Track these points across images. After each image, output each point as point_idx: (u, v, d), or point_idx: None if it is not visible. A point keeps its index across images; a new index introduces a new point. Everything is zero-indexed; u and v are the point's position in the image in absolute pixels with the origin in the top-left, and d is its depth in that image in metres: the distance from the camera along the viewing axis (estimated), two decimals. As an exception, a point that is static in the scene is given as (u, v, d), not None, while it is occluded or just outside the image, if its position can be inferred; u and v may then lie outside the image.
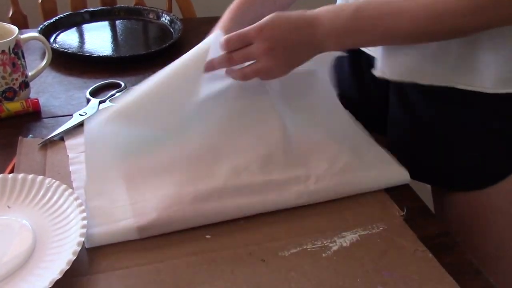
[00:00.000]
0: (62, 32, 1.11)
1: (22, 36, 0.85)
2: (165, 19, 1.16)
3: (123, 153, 0.67)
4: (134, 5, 1.30)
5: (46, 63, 0.90)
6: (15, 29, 0.84)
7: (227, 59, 0.67)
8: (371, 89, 0.86)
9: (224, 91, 0.72)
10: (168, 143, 0.68)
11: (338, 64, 0.81)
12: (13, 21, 1.22)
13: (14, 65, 0.83)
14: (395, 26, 0.60)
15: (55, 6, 1.27)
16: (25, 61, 0.86)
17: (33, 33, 0.89)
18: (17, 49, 0.83)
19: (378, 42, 0.68)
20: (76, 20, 1.15)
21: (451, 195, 0.78)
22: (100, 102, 0.86)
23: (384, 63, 0.73)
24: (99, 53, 1.02)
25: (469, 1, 0.56)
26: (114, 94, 0.89)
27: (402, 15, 0.59)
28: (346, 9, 0.62)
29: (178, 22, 1.12)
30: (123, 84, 0.92)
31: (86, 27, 1.15)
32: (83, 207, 0.58)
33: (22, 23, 1.23)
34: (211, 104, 0.71)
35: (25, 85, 0.86)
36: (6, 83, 0.83)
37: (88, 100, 0.87)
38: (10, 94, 0.84)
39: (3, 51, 0.80)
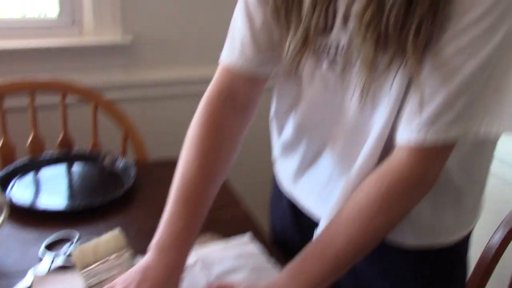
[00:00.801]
0: (19, 179, 1.17)
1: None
2: (120, 163, 1.24)
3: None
4: (91, 147, 1.38)
5: (2, 219, 0.94)
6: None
7: None
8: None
9: None
10: None
11: (280, 212, 0.92)
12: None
13: (-28, 225, 0.87)
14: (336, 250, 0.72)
15: (14, 152, 1.33)
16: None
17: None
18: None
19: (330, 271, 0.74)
20: (33, 166, 1.21)
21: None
22: (55, 257, 0.90)
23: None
24: (55, 205, 1.07)
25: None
26: (68, 249, 0.93)
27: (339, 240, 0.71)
28: None
29: (132, 169, 1.20)
30: (77, 236, 0.97)
31: (43, 172, 1.21)
32: None
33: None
34: None
35: (-20, 242, 0.90)
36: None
37: (41, 258, 0.91)
38: (-34, 253, 0.87)
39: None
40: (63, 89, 1.36)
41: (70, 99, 1.40)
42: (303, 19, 0.71)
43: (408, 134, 0.68)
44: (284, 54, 0.75)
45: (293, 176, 0.91)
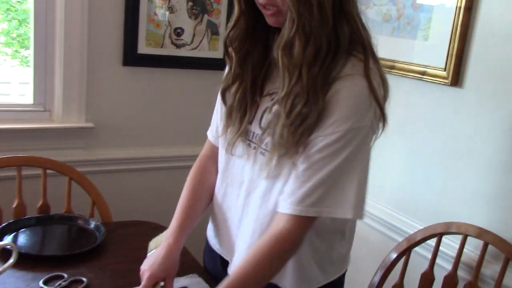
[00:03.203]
0: (10, 234, 1.48)
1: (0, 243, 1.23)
2: (91, 224, 1.58)
3: None
4: (65, 212, 1.71)
5: (12, 262, 1.26)
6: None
7: None
8: None
9: None
10: None
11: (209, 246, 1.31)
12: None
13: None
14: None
15: (1, 214, 1.64)
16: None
17: (6, 241, 1.26)
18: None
19: None
20: (21, 225, 1.53)
21: None
22: (52, 289, 1.23)
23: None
24: (45, 252, 1.40)
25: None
26: (61, 283, 1.26)
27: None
28: None
29: (102, 227, 1.55)
30: (65, 275, 1.30)
31: (31, 230, 1.53)
32: None
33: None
34: None
35: (-6, 279, 1.21)
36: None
37: (42, 288, 1.24)
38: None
39: None
40: (44, 164, 1.70)
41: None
42: (245, 120, 1.13)
43: (286, 206, 1.04)
44: (227, 138, 1.17)
45: (213, 222, 1.31)
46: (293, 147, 1.02)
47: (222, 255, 1.29)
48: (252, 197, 1.15)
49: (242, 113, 1.14)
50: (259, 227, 1.13)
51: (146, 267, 1.21)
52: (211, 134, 1.33)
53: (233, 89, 1.14)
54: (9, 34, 2.38)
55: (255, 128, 1.13)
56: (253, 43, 1.11)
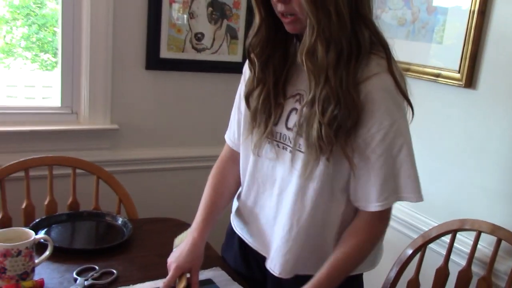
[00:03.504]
0: (43, 229, 1.56)
1: (36, 237, 1.31)
2: (119, 221, 1.66)
3: None
4: (93, 209, 1.79)
5: (48, 254, 1.34)
6: (32, 232, 1.30)
7: None
8: (254, 271, 1.38)
9: None
10: None
11: (230, 245, 1.37)
12: (1, 222, 1.66)
13: (30, 256, 1.27)
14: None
15: (34, 210, 1.73)
16: (34, 253, 1.30)
17: (42, 235, 1.34)
18: (32, 246, 1.28)
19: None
20: (53, 221, 1.61)
21: None
22: (85, 280, 1.31)
23: (274, 263, 1.24)
24: (78, 246, 1.48)
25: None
26: (93, 274, 1.34)
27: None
28: None
29: (129, 223, 1.62)
30: (97, 268, 1.37)
31: (61, 225, 1.61)
32: None
33: (8, 224, 1.66)
34: None
35: (33, 269, 1.29)
36: (24, 268, 1.26)
37: (76, 279, 1.31)
38: (25, 275, 1.27)
39: (27, 248, 1.25)
40: (74, 164, 1.78)
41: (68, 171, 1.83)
42: (270, 123, 1.19)
43: (368, 206, 1.13)
44: (252, 141, 1.23)
45: (244, 221, 1.37)
46: (329, 146, 1.07)
47: (258, 251, 1.33)
48: (285, 194, 1.21)
49: (267, 115, 1.19)
50: (296, 223, 1.19)
51: (173, 259, 1.28)
52: (228, 138, 1.41)
53: (256, 92, 1.20)
54: (29, 38, 2.48)
55: (282, 129, 1.19)
56: (274, 49, 1.16)
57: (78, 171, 1.81)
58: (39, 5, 2.35)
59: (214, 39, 2.33)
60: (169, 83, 2.29)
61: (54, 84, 2.21)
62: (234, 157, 1.38)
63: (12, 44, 2.45)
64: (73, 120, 2.17)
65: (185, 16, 2.24)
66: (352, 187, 1.15)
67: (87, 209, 1.75)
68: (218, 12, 2.30)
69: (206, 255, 1.36)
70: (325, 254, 1.18)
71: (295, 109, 1.16)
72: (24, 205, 1.72)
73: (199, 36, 2.30)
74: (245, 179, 1.32)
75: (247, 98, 1.23)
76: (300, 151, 1.15)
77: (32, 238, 1.28)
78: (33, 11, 2.38)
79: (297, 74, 1.17)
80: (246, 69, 1.28)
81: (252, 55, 1.19)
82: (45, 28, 2.44)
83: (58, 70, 2.12)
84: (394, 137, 1.08)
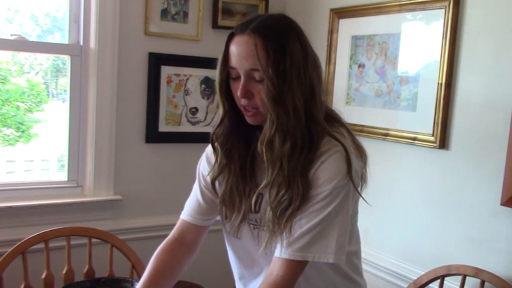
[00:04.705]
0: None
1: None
2: (135, 285, 1.77)
3: None
4: (108, 275, 1.90)
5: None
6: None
7: None
8: None
9: None
10: None
11: None
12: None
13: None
14: None
15: (53, 280, 1.82)
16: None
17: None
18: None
19: None
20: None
21: None
22: None
23: None
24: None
25: None
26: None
27: None
28: None
29: None
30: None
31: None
32: None
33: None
34: None
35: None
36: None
37: None
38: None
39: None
40: (90, 233, 1.91)
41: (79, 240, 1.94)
42: (243, 207, 1.27)
43: (278, 251, 1.19)
44: (230, 225, 1.30)
45: None
46: (279, 227, 1.18)
47: None
48: (264, 270, 1.32)
49: (238, 200, 1.28)
50: None
51: None
52: (187, 214, 1.42)
53: (225, 178, 1.29)
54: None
55: (255, 214, 1.29)
56: (237, 138, 1.27)
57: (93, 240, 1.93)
58: (2, 81, 2.48)
59: (207, 113, 2.55)
60: (167, 154, 2.47)
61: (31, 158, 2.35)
62: (185, 237, 1.41)
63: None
64: (78, 193, 2.30)
65: (181, 93, 2.46)
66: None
67: (103, 276, 1.85)
68: (210, 88, 2.53)
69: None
70: None
71: (261, 194, 1.27)
72: (44, 275, 1.82)
73: (193, 111, 2.51)
74: (234, 258, 1.42)
75: (213, 183, 1.32)
76: (263, 230, 1.25)
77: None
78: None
79: (264, 163, 1.24)
80: (210, 151, 1.37)
81: (216, 144, 1.29)
82: (8, 103, 2.56)
83: (20, 145, 2.27)
84: (330, 201, 1.17)
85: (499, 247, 1.76)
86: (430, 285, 1.84)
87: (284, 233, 1.20)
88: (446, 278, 1.80)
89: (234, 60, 1.18)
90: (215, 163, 1.30)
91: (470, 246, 1.85)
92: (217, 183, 1.31)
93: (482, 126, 1.81)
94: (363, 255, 1.40)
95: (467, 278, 1.75)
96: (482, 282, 1.70)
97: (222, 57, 1.21)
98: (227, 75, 1.22)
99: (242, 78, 1.17)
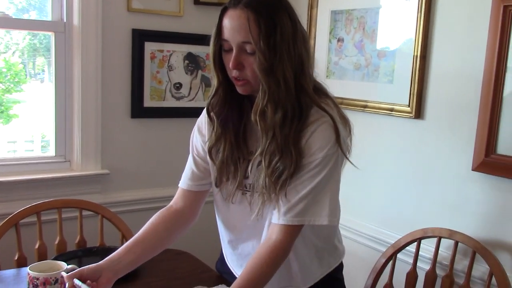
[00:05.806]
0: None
1: (69, 267, 1.48)
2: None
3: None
4: (99, 245, 1.96)
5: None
6: (63, 263, 1.47)
7: None
8: None
9: None
10: None
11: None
12: (18, 262, 1.81)
13: (64, 284, 1.44)
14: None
15: (46, 250, 1.88)
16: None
17: (72, 265, 1.52)
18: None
19: None
20: (70, 256, 1.77)
21: None
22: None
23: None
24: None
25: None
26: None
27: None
28: None
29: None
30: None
31: (80, 259, 1.77)
32: None
33: (24, 264, 1.81)
34: None
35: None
36: (61, 295, 1.43)
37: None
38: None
39: (62, 276, 1.43)
40: (81, 205, 1.97)
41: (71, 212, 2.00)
42: (238, 173, 1.35)
43: (276, 218, 1.29)
44: (225, 190, 1.38)
45: (229, 256, 1.54)
46: (274, 194, 1.27)
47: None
48: (254, 233, 1.41)
49: (234, 167, 1.35)
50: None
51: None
52: (182, 182, 1.49)
53: (220, 147, 1.35)
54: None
55: (245, 179, 1.37)
56: (231, 107, 1.33)
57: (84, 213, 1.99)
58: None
59: (191, 88, 2.60)
60: (153, 129, 2.52)
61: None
62: (178, 205, 1.48)
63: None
64: (66, 167, 2.35)
65: (164, 69, 2.50)
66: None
67: (94, 246, 1.92)
68: (193, 64, 2.58)
69: (208, 276, 1.56)
70: (295, 265, 1.40)
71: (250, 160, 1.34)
72: (37, 246, 1.88)
73: (177, 86, 2.56)
74: (222, 222, 1.49)
75: (210, 152, 1.38)
76: (256, 195, 1.33)
77: (65, 267, 1.46)
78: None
79: (255, 132, 1.33)
80: (201, 122, 1.45)
81: (212, 114, 1.35)
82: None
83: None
84: (321, 169, 1.26)
85: (471, 210, 1.87)
86: (408, 247, 1.94)
87: (280, 200, 1.28)
88: (422, 240, 1.91)
89: (226, 33, 1.23)
90: (212, 132, 1.36)
91: (444, 210, 1.96)
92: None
93: (455, 96, 1.91)
94: (342, 221, 1.48)
95: (442, 239, 1.85)
96: (456, 243, 1.81)
97: (215, 30, 1.26)
98: (220, 48, 1.27)
99: (234, 50, 1.23)
